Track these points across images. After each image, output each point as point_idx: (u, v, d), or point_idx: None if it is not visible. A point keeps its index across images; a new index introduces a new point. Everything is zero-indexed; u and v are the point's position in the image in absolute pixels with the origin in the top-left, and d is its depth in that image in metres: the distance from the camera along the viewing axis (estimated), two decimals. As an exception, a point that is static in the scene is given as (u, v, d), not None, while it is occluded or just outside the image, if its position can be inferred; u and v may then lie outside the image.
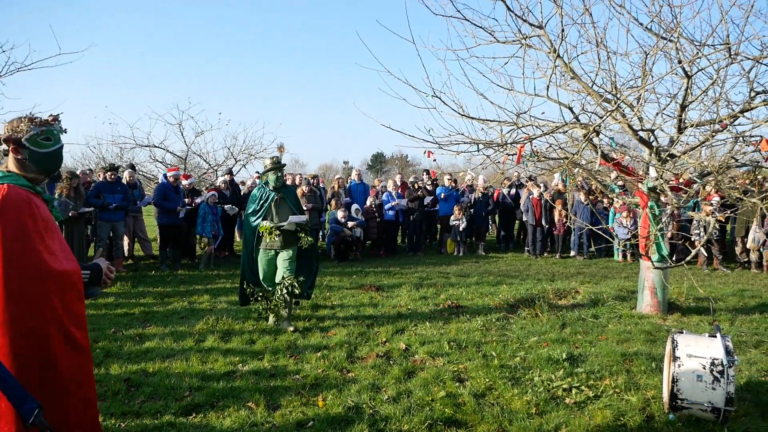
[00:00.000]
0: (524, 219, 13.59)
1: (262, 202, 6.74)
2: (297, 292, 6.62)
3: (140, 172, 16.56)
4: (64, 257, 2.51)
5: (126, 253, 11.77)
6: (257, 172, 14.69)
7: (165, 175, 11.77)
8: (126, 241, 11.71)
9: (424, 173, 15.42)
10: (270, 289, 6.79)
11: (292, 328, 6.57)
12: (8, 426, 2.23)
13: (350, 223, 12.45)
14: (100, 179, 11.04)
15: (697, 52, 5.85)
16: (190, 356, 5.56)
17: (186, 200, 11.36)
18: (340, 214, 12.55)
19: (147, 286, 9.28)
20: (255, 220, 6.71)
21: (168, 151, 17.71)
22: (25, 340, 2.34)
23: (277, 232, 6.61)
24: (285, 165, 7.02)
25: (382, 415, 4.21)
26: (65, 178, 9.98)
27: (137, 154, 18.40)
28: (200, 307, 7.77)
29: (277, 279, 6.72)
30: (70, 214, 9.49)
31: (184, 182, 12.04)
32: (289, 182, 14.01)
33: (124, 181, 11.31)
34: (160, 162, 17.62)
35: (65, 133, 2.74)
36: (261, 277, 6.84)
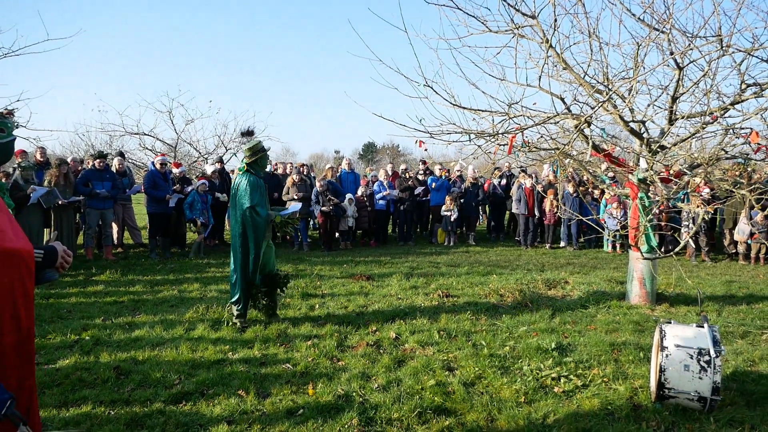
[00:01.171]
0: (515, 210, 13.63)
1: (261, 191, 6.21)
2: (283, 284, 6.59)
3: (130, 160, 16.46)
4: (15, 235, 2.46)
5: (115, 242, 11.70)
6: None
7: (153, 163, 11.70)
8: (115, 229, 11.64)
9: (420, 163, 15.41)
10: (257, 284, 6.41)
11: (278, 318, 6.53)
12: None
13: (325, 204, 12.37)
14: (89, 167, 10.95)
15: (689, 44, 5.86)
16: (180, 344, 5.55)
17: (176, 188, 11.29)
18: (318, 186, 12.48)
19: (136, 274, 9.24)
20: (267, 211, 6.25)
21: (158, 139, 17.63)
22: None
23: (296, 223, 6.56)
24: (268, 149, 6.66)
25: (372, 403, 4.22)
26: (55, 166, 9.89)
27: (127, 141, 18.31)
28: (190, 295, 7.74)
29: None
30: (59, 203, 9.42)
31: (175, 170, 11.96)
32: (280, 171, 13.96)
33: (113, 169, 11.22)
34: (150, 150, 17.53)
35: (17, 128, 2.70)
36: (254, 273, 6.33)
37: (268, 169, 13.45)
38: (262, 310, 6.50)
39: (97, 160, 10.61)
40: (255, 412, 4.08)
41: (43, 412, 3.95)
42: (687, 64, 6.07)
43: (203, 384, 4.59)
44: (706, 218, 10.52)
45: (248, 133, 6.39)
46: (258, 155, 6.23)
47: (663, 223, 9.92)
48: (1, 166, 2.59)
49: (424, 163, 15.43)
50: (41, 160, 10.64)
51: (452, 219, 13.50)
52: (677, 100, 6.30)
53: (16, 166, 9.36)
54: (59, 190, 9.52)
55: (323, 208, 12.22)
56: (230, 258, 6.45)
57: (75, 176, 10.49)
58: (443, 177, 14.27)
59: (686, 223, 11.27)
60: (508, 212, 15.19)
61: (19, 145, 10.27)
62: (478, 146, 6.68)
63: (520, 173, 14.29)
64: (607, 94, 6.09)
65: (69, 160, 11.26)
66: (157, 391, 4.44)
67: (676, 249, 6.29)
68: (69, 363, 5.05)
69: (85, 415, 4.00)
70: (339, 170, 14.76)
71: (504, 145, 6.55)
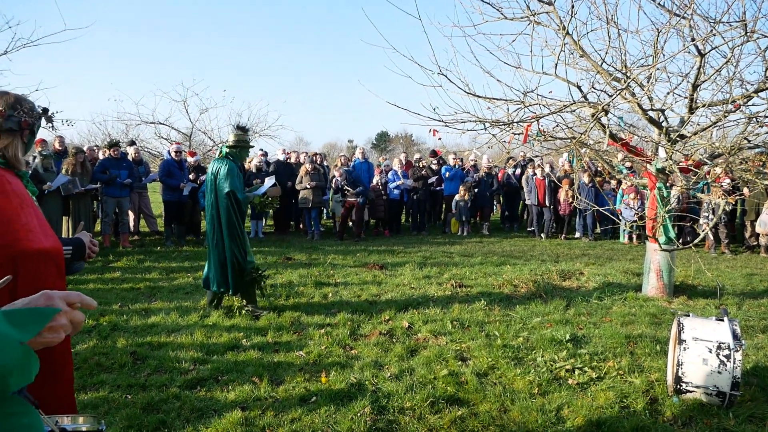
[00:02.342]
0: (527, 200, 13.53)
1: (239, 177, 6.25)
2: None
3: (145, 149, 16.57)
4: (43, 233, 2.44)
5: (132, 229, 11.80)
6: (261, 150, 14.62)
7: (169, 152, 11.77)
8: (131, 217, 11.74)
9: (431, 155, 15.35)
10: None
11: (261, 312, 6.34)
12: None
13: (349, 192, 12.36)
14: (105, 156, 11.03)
15: (711, 30, 5.72)
16: (195, 331, 5.58)
17: (190, 177, 11.34)
18: (337, 175, 12.46)
19: (152, 261, 9.31)
20: (242, 195, 6.23)
21: (173, 128, 17.72)
22: None
23: (275, 203, 6.60)
24: (252, 146, 6.74)
25: (385, 392, 4.22)
26: (72, 154, 9.97)
27: (142, 130, 18.43)
28: (204, 283, 7.77)
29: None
30: (75, 192, 9.50)
31: (190, 159, 12.02)
32: (293, 160, 13.96)
33: (129, 157, 11.30)
34: (165, 139, 17.63)
35: (51, 122, 2.71)
36: (252, 256, 6.41)
37: (281, 158, 13.46)
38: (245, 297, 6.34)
39: (111, 149, 10.69)
40: (268, 399, 4.10)
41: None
42: (709, 51, 5.94)
43: (218, 370, 4.62)
44: (727, 209, 10.36)
45: (243, 129, 6.45)
46: (241, 145, 6.31)
47: (681, 214, 9.77)
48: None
49: (435, 153, 15.35)
50: (60, 148, 10.71)
51: (466, 208, 13.43)
52: (698, 88, 6.17)
53: (36, 155, 9.45)
54: (77, 178, 9.60)
55: (350, 198, 12.20)
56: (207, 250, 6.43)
57: (92, 165, 10.57)
58: (457, 166, 14.19)
59: (706, 214, 11.11)
60: (522, 202, 15.09)
61: (38, 134, 10.40)
62: (493, 135, 6.61)
63: (529, 163, 14.19)
64: (625, 82, 5.98)
65: (85, 148, 11.34)
66: (172, 377, 4.48)
67: (695, 240, 6.19)
68: (87, 347, 5.11)
69: (103, 398, 4.05)
70: (353, 159, 14.74)
71: (519, 134, 6.48)
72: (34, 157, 9.47)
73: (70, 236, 2.73)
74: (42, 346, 1.23)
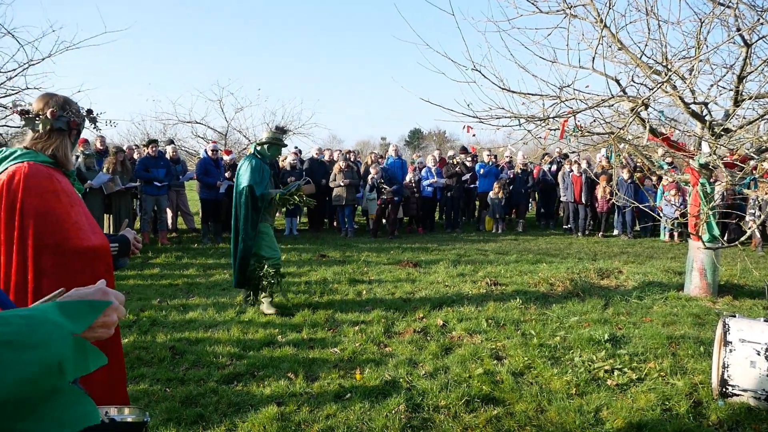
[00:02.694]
0: (564, 197, 13.31)
1: (262, 174, 6.23)
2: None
3: (182, 148, 16.86)
4: (92, 231, 2.49)
5: (170, 227, 12.02)
6: (296, 147, 14.72)
7: (206, 151, 11.96)
8: (169, 214, 11.96)
9: (461, 151, 15.24)
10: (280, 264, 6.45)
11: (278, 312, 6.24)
12: None
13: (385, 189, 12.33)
14: (143, 155, 11.26)
15: (758, 19, 5.52)
16: (232, 327, 5.65)
17: (226, 175, 11.50)
18: (373, 172, 12.45)
19: (190, 258, 9.46)
20: (263, 191, 6.19)
21: (209, 127, 17.99)
22: None
23: (296, 200, 6.29)
24: (286, 146, 6.69)
25: (419, 389, 4.19)
26: (112, 153, 10.21)
27: (179, 130, 18.75)
28: (240, 279, 7.86)
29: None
30: (116, 189, 9.72)
31: (226, 158, 12.19)
32: (326, 158, 14.01)
33: (167, 156, 11.51)
34: (202, 138, 17.92)
35: (95, 123, 2.79)
36: (277, 255, 6.34)
37: (316, 156, 13.53)
38: (275, 292, 6.41)
39: (150, 146, 10.91)
40: (303, 395, 4.12)
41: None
42: (756, 41, 5.73)
43: (254, 366, 4.66)
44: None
45: (281, 130, 6.66)
46: (272, 143, 6.34)
47: (726, 211, 9.48)
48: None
49: (466, 150, 15.22)
50: (101, 148, 10.98)
51: (500, 206, 13.30)
52: (744, 80, 5.96)
53: (78, 154, 9.70)
54: (118, 177, 9.83)
55: (384, 196, 12.19)
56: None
57: (131, 164, 10.80)
58: (490, 163, 14.03)
59: (752, 210, 10.74)
60: (558, 199, 14.86)
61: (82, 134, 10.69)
62: (528, 131, 6.51)
63: (565, 159, 13.95)
64: (666, 75, 5.82)
65: (125, 147, 11.60)
66: (210, 371, 4.54)
67: (741, 238, 5.99)
68: (128, 342, 5.21)
69: (143, 391, 4.13)
70: (386, 157, 14.72)
71: (555, 129, 6.36)
72: (77, 157, 9.72)
73: (112, 233, 2.79)
74: (94, 340, 1.26)
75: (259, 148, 6.37)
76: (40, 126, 2.51)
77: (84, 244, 2.43)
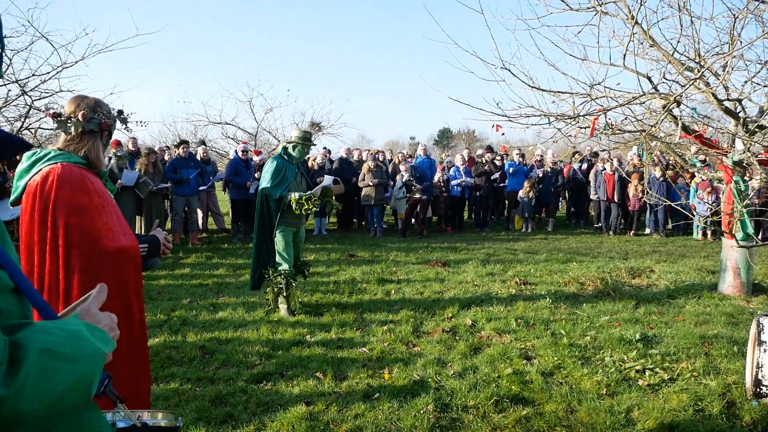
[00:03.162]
0: (595, 195, 13.13)
1: (283, 175, 6.09)
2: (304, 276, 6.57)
3: (213, 149, 17.09)
4: (122, 232, 2.53)
5: (200, 227, 12.21)
6: (324, 148, 14.79)
7: (236, 151, 12.12)
8: (200, 214, 12.15)
9: (486, 150, 15.18)
10: (290, 272, 6.21)
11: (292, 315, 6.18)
12: None
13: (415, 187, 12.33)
14: (174, 156, 11.46)
15: (794, 14, 5.39)
16: (261, 326, 5.72)
17: (256, 175, 11.64)
18: (403, 170, 12.45)
19: (220, 258, 9.60)
20: (281, 193, 6.04)
21: (239, 127, 18.20)
22: None
23: (311, 205, 5.99)
24: (315, 144, 6.52)
25: (448, 389, 4.20)
26: (144, 154, 10.43)
27: (210, 131, 19.01)
28: (270, 279, 7.96)
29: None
30: (153, 188, 9.93)
31: (256, 158, 12.34)
32: (355, 158, 14.06)
33: (198, 157, 11.69)
34: (232, 138, 18.14)
35: (126, 123, 2.85)
36: (288, 263, 6.15)
37: (345, 156, 13.59)
38: (291, 298, 6.25)
39: (181, 147, 11.10)
40: (332, 394, 4.16)
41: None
42: (791, 37, 5.60)
43: (283, 365, 4.72)
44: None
45: (316, 126, 6.59)
46: (297, 142, 6.18)
47: (761, 209, 9.27)
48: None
49: (490, 150, 15.14)
50: (133, 149, 11.21)
51: (530, 205, 13.20)
52: (779, 76, 5.83)
53: (111, 155, 9.91)
54: (149, 178, 10.03)
55: (416, 195, 12.20)
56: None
57: (163, 164, 11.01)
58: (517, 162, 13.92)
59: (787, 208, 10.48)
60: (588, 198, 14.67)
61: (114, 136, 10.92)
62: (558, 129, 6.46)
63: (595, 158, 13.77)
64: (698, 72, 5.72)
65: (156, 148, 11.83)
66: (239, 371, 4.61)
67: (776, 236, 5.86)
68: (159, 341, 5.32)
69: (174, 390, 4.22)
70: (415, 156, 14.73)
71: (585, 127, 6.30)
72: (110, 158, 9.94)
73: (144, 234, 2.84)
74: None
75: (285, 147, 6.29)
76: (72, 128, 2.57)
77: (114, 245, 2.47)
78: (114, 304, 2.45)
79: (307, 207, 5.96)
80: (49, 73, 8.73)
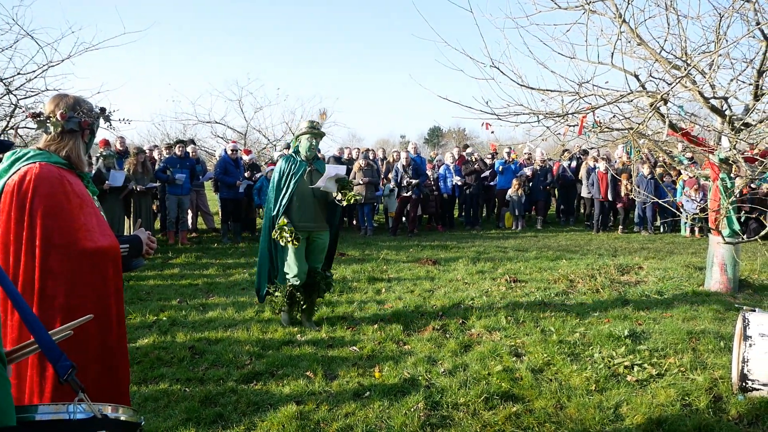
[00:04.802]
0: (587, 193, 13.19)
1: (288, 177, 5.52)
2: (329, 288, 5.99)
3: (202, 148, 17.03)
4: (101, 233, 2.49)
5: (190, 227, 12.16)
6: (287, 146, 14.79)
7: (225, 150, 12.08)
8: (189, 214, 12.10)
9: (464, 149, 15.27)
10: (298, 284, 5.61)
11: (317, 328, 5.68)
12: (36, 379, 2.33)
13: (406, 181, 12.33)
14: (163, 155, 11.40)
15: (778, 13, 5.45)
16: (251, 326, 5.71)
17: (246, 174, 11.61)
18: (404, 158, 12.40)
19: (210, 258, 9.57)
20: (277, 209, 5.51)
21: (228, 126, 18.15)
22: (60, 315, 2.33)
23: (287, 234, 5.38)
24: (324, 134, 5.86)
25: (438, 387, 4.22)
26: (133, 154, 10.36)
27: (199, 130, 18.92)
28: (260, 278, 7.94)
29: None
30: (138, 189, 9.85)
31: (245, 157, 12.29)
32: (345, 156, 14.04)
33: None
34: (221, 137, 18.08)
35: (109, 122, 2.80)
36: (294, 273, 5.56)
37: (336, 154, 13.57)
38: (305, 311, 5.79)
39: (177, 146, 11.06)
40: (322, 393, 4.16)
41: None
42: (776, 35, 5.66)
43: (273, 365, 4.71)
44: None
45: (323, 114, 6.25)
46: (303, 132, 5.60)
47: (747, 205, 9.36)
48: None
49: (466, 147, 15.22)
50: (121, 149, 11.14)
51: (519, 203, 13.26)
52: (764, 74, 5.88)
53: (98, 155, 9.84)
54: (137, 178, 9.97)
55: (406, 194, 12.21)
56: None
57: (152, 164, 10.95)
58: (503, 159, 13.96)
59: (773, 205, 10.60)
60: (578, 196, 14.74)
61: (101, 135, 10.82)
62: (547, 127, 6.49)
63: (583, 155, 13.83)
64: (685, 70, 5.77)
65: (146, 148, 11.76)
66: (229, 371, 4.60)
67: (762, 233, 5.92)
68: (148, 342, 5.30)
69: (163, 391, 4.20)
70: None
71: (574, 125, 6.34)
72: (97, 158, 9.86)
73: (131, 234, 2.80)
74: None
75: (297, 144, 5.68)
76: (52, 128, 2.53)
77: (92, 245, 2.43)
78: (92, 305, 2.43)
79: (283, 236, 5.39)
80: (34, 71, 8.65)
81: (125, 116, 2.96)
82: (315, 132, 5.61)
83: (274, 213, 5.53)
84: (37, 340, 1.72)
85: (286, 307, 5.73)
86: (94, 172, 9.40)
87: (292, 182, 5.50)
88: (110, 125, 2.85)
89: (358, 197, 5.62)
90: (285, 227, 5.39)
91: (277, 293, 5.64)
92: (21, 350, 1.84)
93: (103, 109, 2.76)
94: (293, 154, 5.67)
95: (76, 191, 2.48)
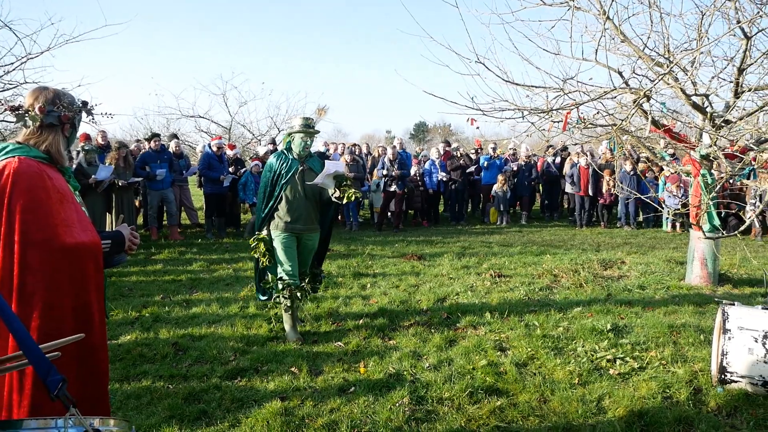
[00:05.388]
0: (570, 189, 13.29)
1: (279, 176, 5.22)
2: (316, 291, 5.78)
3: (186, 142, 16.89)
4: (81, 228, 2.46)
5: (179, 221, 12.03)
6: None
7: (208, 145, 11.96)
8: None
9: (444, 145, 15.30)
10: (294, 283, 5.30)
11: (300, 341, 5.21)
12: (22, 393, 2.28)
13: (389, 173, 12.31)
14: (146, 149, 11.27)
15: (758, 11, 5.51)
16: (235, 322, 5.69)
17: (230, 169, 11.52)
18: (390, 155, 12.38)
19: (193, 253, 9.51)
20: (266, 210, 5.26)
21: (213, 121, 18.02)
22: (39, 312, 2.31)
23: (261, 250, 5.25)
24: (318, 132, 5.59)
25: (423, 382, 4.24)
26: (115, 148, 10.24)
27: (183, 124, 18.77)
28: (245, 274, 7.91)
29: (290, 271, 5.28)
30: (119, 184, 9.73)
31: (230, 152, 12.20)
32: (331, 151, 14.00)
33: (170, 150, 11.52)
34: (205, 132, 17.95)
35: (91, 116, 2.76)
36: (286, 271, 5.26)
37: (322, 149, 13.50)
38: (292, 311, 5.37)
39: (152, 140, 10.92)
40: (307, 389, 4.16)
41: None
42: (755, 33, 5.73)
43: (257, 361, 4.70)
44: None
45: (322, 110, 5.86)
46: (296, 131, 5.28)
47: (726, 201, 9.49)
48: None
49: (449, 144, 15.27)
50: (102, 143, 11.00)
51: (504, 198, 13.33)
52: (744, 72, 5.96)
53: (79, 149, 9.71)
54: (119, 172, 9.85)
55: (390, 189, 12.19)
56: None
57: (134, 158, 10.83)
58: (492, 154, 14.01)
59: (753, 200, 10.76)
60: (562, 191, 14.84)
61: (82, 129, 10.68)
62: (532, 123, 6.52)
63: (566, 151, 13.93)
64: (668, 67, 5.83)
65: (132, 146, 11.62)
66: (213, 367, 4.58)
67: (741, 228, 6.01)
68: (130, 339, 5.26)
69: (145, 388, 4.17)
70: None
71: (558, 121, 6.37)
72: (78, 152, 9.74)
73: (114, 230, 2.76)
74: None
75: (290, 140, 5.38)
76: (30, 122, 2.48)
77: (72, 241, 2.39)
78: (71, 301, 2.40)
79: (258, 250, 5.24)
80: (12, 63, 8.50)
81: (107, 110, 2.91)
82: (310, 132, 5.29)
83: (263, 214, 5.29)
84: (25, 353, 1.68)
85: (291, 319, 5.32)
86: (75, 166, 9.28)
87: (283, 182, 5.20)
88: (93, 119, 2.81)
89: (358, 194, 5.29)
90: (262, 241, 5.26)
91: (284, 292, 5.28)
92: (5, 363, 1.80)
93: (85, 103, 2.70)
94: (285, 151, 5.35)
95: (56, 186, 2.44)
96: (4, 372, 1.79)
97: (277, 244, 5.27)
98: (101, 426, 1.68)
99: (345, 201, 5.12)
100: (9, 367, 1.80)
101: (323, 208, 5.56)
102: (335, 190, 5.17)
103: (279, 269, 5.31)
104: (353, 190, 5.13)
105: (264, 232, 5.28)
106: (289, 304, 5.29)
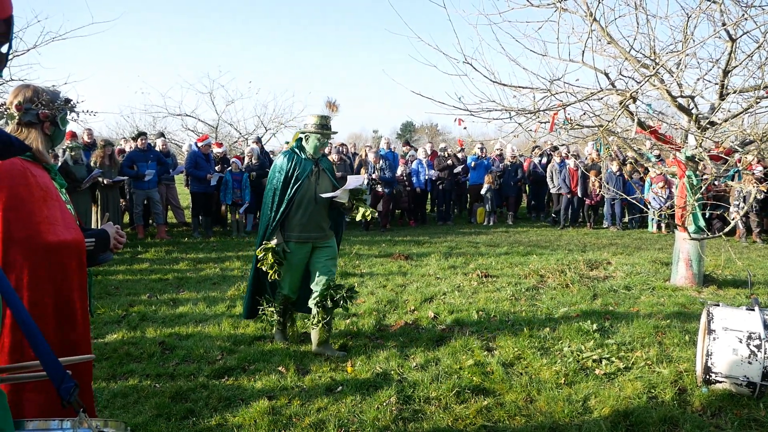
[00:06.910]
0: (557, 190, 13.34)
1: (291, 178, 4.72)
2: (347, 302, 4.86)
3: (172, 141, 16.79)
4: (65, 226, 2.44)
5: (164, 220, 11.95)
6: (287, 142, 14.67)
7: (195, 144, 11.88)
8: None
9: (403, 144, 15.34)
10: (292, 298, 5.03)
11: (343, 353, 4.83)
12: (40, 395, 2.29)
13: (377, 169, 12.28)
14: (131, 148, 11.18)
15: (743, 14, 5.58)
16: (222, 321, 5.66)
17: (216, 168, 11.45)
18: (373, 161, 12.40)
19: (180, 252, 9.45)
20: (278, 217, 4.72)
21: (199, 119, 17.94)
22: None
23: (269, 261, 4.68)
24: (336, 133, 5.03)
25: (410, 381, 4.24)
26: (100, 146, 10.15)
27: (169, 123, 18.66)
28: (232, 273, 7.88)
29: (314, 284, 4.85)
30: (105, 182, 9.65)
31: (217, 150, 12.12)
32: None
33: (157, 149, 11.44)
34: (192, 131, 17.86)
35: (74, 113, 2.73)
36: (285, 287, 4.93)
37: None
38: (318, 327, 4.85)
39: (139, 139, 10.83)
40: (295, 388, 4.15)
41: (92, 385, 4.09)
42: (740, 36, 5.79)
43: (245, 360, 4.68)
44: (759, 197, 10.13)
45: (333, 106, 5.01)
46: (311, 132, 4.78)
47: (712, 202, 9.59)
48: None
49: (408, 143, 15.35)
50: (88, 141, 10.91)
51: (491, 198, 13.38)
52: (729, 74, 6.03)
53: (65, 147, 9.62)
54: (104, 171, 9.76)
55: (378, 188, 12.17)
56: None
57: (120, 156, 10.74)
58: (481, 155, 14.05)
59: (737, 202, 10.88)
60: (549, 192, 14.92)
61: (68, 127, 10.58)
62: (519, 124, 6.55)
63: (553, 152, 14.00)
64: (654, 69, 5.87)
65: (122, 145, 11.52)
66: (200, 366, 4.55)
67: (725, 229, 6.08)
68: (117, 338, 5.21)
69: (132, 387, 4.14)
70: (378, 150, 14.74)
71: (545, 122, 6.41)
72: (64, 150, 9.65)
73: (99, 228, 2.74)
74: None
75: (300, 138, 4.89)
76: (8, 120, 2.46)
77: (55, 239, 2.37)
78: (51, 300, 2.38)
79: (267, 261, 4.68)
80: (-2, 61, 8.38)
81: (92, 108, 2.89)
82: (327, 133, 4.80)
83: (273, 221, 4.75)
84: (41, 361, 1.66)
85: (279, 326, 5.12)
86: (60, 164, 9.19)
87: (296, 185, 4.71)
88: (77, 116, 2.78)
89: (374, 213, 4.95)
90: (271, 251, 4.69)
91: (269, 309, 4.97)
92: (15, 372, 1.79)
93: (68, 100, 2.68)
94: (296, 150, 4.83)
95: (40, 184, 2.42)
96: (10, 381, 1.79)
97: (289, 257, 4.80)
98: (103, 427, 1.69)
99: (359, 218, 4.75)
100: (24, 375, 1.79)
101: (337, 213, 5.10)
102: (349, 203, 4.81)
103: (283, 283, 4.92)
104: (368, 207, 4.77)
105: (273, 242, 4.70)
106: (280, 320, 5.06)
